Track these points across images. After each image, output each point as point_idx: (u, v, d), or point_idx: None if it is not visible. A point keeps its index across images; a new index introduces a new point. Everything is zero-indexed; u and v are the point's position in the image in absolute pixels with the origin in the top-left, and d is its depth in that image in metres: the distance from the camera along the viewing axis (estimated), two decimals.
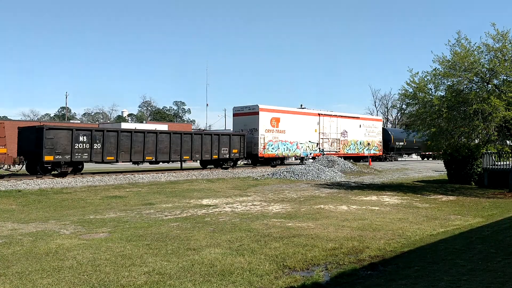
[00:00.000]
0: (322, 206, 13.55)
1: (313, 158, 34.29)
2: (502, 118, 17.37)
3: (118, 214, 11.92)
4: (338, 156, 34.56)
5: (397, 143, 44.95)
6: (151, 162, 24.24)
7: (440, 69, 19.04)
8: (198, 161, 28.17)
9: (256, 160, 30.95)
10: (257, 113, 30.40)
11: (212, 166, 28.08)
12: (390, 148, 44.56)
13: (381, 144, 41.55)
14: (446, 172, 24.46)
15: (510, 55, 18.02)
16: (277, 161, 31.63)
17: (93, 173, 22.66)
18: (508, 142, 21.30)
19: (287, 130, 31.98)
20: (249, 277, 6.29)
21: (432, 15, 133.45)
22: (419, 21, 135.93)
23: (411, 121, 22.06)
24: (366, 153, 39.16)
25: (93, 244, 8.12)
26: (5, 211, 12.47)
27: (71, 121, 75.31)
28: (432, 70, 19.32)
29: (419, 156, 54.44)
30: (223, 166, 27.75)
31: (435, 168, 32.43)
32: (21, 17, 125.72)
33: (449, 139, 19.07)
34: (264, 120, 30.52)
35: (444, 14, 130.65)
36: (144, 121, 72.44)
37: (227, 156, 27.39)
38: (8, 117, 77.26)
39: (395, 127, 58.68)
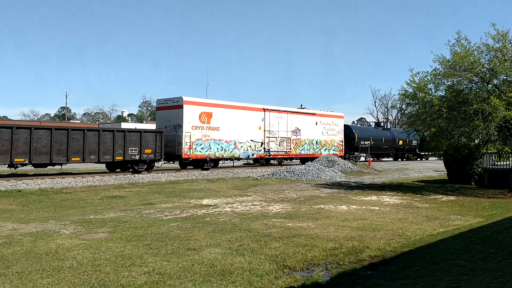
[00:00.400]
0: (322, 206, 13.55)
1: (256, 160, 31.39)
2: (502, 118, 17.39)
3: (118, 214, 11.92)
4: (288, 157, 32.78)
5: (362, 143, 40.23)
6: (23, 165, 19.29)
7: (440, 69, 19.06)
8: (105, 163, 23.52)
9: (181, 162, 26.75)
10: (181, 107, 25.69)
11: (119, 170, 23.67)
12: (354, 148, 39.65)
13: (343, 143, 37.06)
14: (446, 172, 24.47)
15: (510, 55, 18.03)
16: (209, 163, 26.93)
17: (93, 173, 22.65)
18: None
19: (222, 127, 27.35)
20: (249, 277, 6.29)
21: (432, 15, 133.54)
22: (419, 21, 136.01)
23: (411, 121, 22.05)
24: (323, 153, 34.64)
25: (93, 244, 8.12)
26: (5, 211, 12.47)
27: (71, 121, 75.32)
28: (432, 70, 19.36)
29: (390, 157, 49.10)
30: (134, 169, 23.10)
31: (435, 168, 32.45)
32: (21, 17, 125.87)
33: (449, 139, 19.08)
34: (190, 114, 25.71)
35: (444, 14, 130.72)
36: (144, 121, 72.45)
37: (137, 157, 22.57)
38: (8, 117, 77.32)
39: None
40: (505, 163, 21.04)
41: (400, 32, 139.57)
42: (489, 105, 17.05)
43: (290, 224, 10.31)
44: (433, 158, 51.62)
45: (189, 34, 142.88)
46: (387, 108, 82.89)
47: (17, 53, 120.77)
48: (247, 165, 34.23)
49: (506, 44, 17.85)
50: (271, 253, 7.55)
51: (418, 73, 19.97)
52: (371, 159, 40.82)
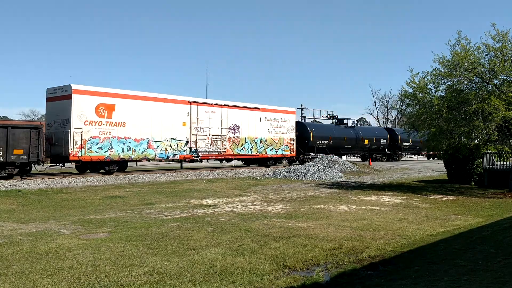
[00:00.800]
0: (322, 206, 13.55)
1: (182, 161, 26.94)
2: (502, 118, 17.39)
3: (118, 214, 11.93)
4: (223, 158, 29.26)
5: (319, 142, 36.00)
6: None
7: (440, 69, 19.06)
8: None
9: (78, 165, 22.78)
10: (70, 97, 20.91)
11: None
12: (309, 147, 35.19)
13: (294, 142, 32.70)
14: (446, 172, 24.48)
15: (510, 55, 18.04)
16: (113, 166, 22.73)
17: (93, 173, 22.66)
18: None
19: (129, 123, 22.80)
20: (249, 277, 6.30)
21: (432, 15, 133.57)
22: (419, 21, 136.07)
23: (411, 121, 22.05)
24: (270, 154, 30.67)
25: (93, 244, 8.13)
26: (5, 211, 12.48)
27: None
28: (432, 70, 19.36)
29: (354, 157, 45.57)
30: None
31: (435, 168, 32.46)
32: (21, 17, 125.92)
33: (449, 139, 19.09)
34: (82, 106, 21.08)
35: (444, 14, 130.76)
36: None
37: (1, 159, 18.08)
38: (8, 117, 77.33)
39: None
40: (505, 163, 21.06)
41: (400, 32, 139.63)
42: (489, 105, 17.06)
43: (290, 224, 10.32)
44: (408, 159, 49.79)
45: (189, 34, 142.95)
46: (387, 108, 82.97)
47: (16, 53, 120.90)
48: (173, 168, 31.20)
49: (506, 44, 17.85)
50: (271, 253, 7.55)
51: (418, 73, 20.02)
52: (370, 159, 39.80)
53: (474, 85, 19.05)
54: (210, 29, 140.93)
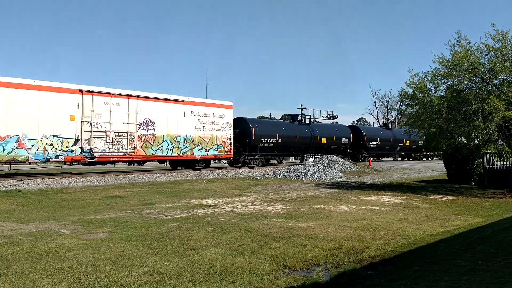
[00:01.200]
0: (322, 206, 13.55)
1: (70, 163, 22.11)
2: (502, 118, 17.40)
3: (118, 214, 11.93)
4: (132, 161, 23.88)
5: (263, 140, 31.35)
6: None
7: (440, 69, 19.07)
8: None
9: None
10: None
11: None
12: (251, 146, 30.55)
13: (231, 141, 28.19)
14: (446, 172, 24.49)
15: (510, 55, 18.04)
16: None
17: (93, 173, 22.67)
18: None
19: None
20: (249, 277, 6.29)
21: (432, 15, 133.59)
22: (420, 20, 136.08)
23: (411, 122, 22.07)
24: (198, 154, 26.06)
25: (93, 244, 8.13)
26: (5, 211, 12.48)
27: None
28: (432, 70, 19.36)
29: (298, 159, 41.06)
30: None
31: (435, 168, 32.47)
32: (20, 17, 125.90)
33: (449, 139, 19.11)
34: None
35: (444, 14, 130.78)
36: None
37: None
38: None
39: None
40: (505, 163, 21.08)
41: (400, 31, 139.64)
42: (489, 105, 17.06)
43: (290, 224, 10.32)
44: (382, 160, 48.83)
45: (189, 34, 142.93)
46: (387, 108, 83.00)
47: (16, 53, 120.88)
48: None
49: (506, 44, 17.86)
50: (271, 253, 7.55)
51: (418, 73, 20.02)
52: (371, 159, 38.48)
53: (474, 85, 19.05)
54: (210, 29, 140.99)
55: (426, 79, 19.58)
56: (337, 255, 7.63)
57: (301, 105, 39.01)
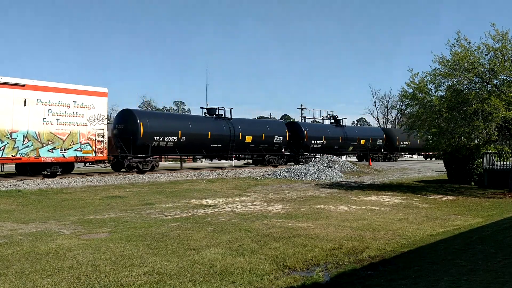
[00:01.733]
0: (322, 206, 13.55)
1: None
2: (502, 118, 17.40)
3: (118, 214, 11.93)
4: None
5: (157, 139, 24.61)
6: None
7: (440, 69, 19.06)
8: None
9: None
10: None
11: None
12: (138, 147, 23.87)
13: (103, 139, 21.92)
14: (446, 172, 24.49)
15: (510, 55, 18.04)
16: None
17: (93, 173, 22.67)
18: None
19: None
20: (249, 277, 6.29)
21: (432, 15, 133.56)
22: (420, 20, 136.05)
23: (411, 122, 22.07)
24: (47, 157, 19.84)
25: (93, 244, 8.12)
26: (5, 211, 12.47)
27: None
28: (432, 70, 19.36)
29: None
30: None
31: (435, 168, 32.47)
32: (20, 17, 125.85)
33: (449, 139, 19.10)
34: None
35: (444, 14, 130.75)
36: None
37: None
38: None
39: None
40: (505, 163, 21.08)
41: (400, 32, 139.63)
42: (489, 105, 17.06)
43: (290, 224, 10.31)
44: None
45: (189, 34, 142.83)
46: (387, 108, 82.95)
47: (16, 53, 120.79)
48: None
49: (506, 44, 17.86)
50: (271, 253, 7.55)
51: (418, 73, 20.01)
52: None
53: (474, 85, 19.05)
54: (210, 29, 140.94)
55: (426, 79, 19.58)
56: (337, 255, 7.63)
57: (301, 105, 39.10)
